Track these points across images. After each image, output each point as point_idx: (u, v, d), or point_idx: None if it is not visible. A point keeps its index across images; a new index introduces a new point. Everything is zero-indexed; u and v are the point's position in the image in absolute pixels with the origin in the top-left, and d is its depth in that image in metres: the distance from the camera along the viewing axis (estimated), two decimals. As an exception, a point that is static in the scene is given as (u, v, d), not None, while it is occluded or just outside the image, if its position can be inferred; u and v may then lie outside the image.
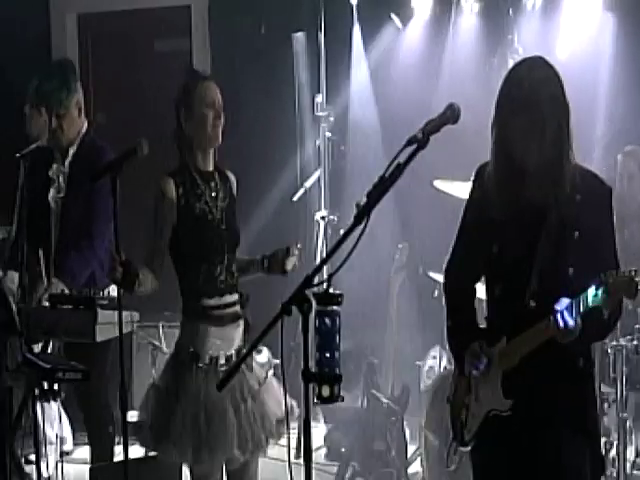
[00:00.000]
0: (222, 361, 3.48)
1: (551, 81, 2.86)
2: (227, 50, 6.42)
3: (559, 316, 2.74)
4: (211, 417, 3.43)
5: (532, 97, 2.80)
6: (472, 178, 3.08)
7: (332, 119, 5.85)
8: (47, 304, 3.99)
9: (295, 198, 5.86)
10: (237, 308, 3.57)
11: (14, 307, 3.60)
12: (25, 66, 5.75)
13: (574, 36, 5.76)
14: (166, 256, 3.53)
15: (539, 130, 2.81)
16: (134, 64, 6.79)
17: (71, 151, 4.50)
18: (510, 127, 2.85)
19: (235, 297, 3.57)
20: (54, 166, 4.52)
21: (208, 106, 3.51)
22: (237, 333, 3.54)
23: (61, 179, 4.52)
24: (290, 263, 3.57)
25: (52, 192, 4.52)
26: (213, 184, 3.60)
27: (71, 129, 4.48)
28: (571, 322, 2.73)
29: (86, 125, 4.57)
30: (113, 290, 4.05)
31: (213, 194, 3.59)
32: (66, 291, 4.06)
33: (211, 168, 3.61)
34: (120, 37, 6.83)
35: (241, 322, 3.57)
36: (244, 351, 3.51)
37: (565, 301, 2.75)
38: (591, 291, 2.71)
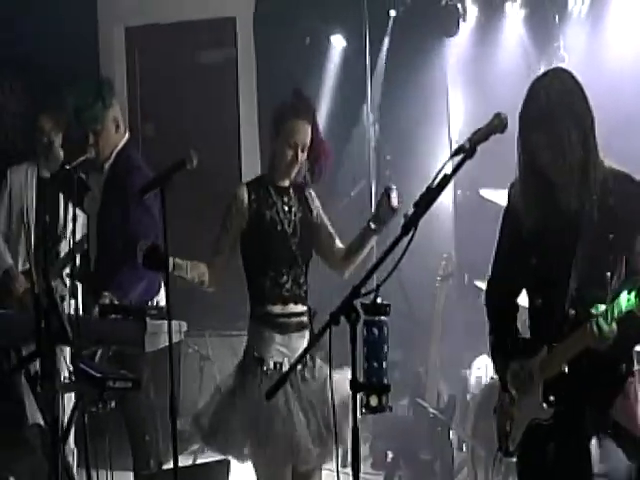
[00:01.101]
0: (286, 368, 3.53)
1: (571, 92, 2.86)
2: (272, 61, 6.46)
3: (594, 322, 2.73)
4: (272, 420, 3.47)
5: (549, 110, 2.81)
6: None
7: (377, 128, 5.87)
8: (97, 314, 4.06)
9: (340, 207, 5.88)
10: (303, 318, 3.65)
11: (65, 316, 3.65)
12: (73, 80, 5.85)
13: (623, 42, 5.70)
14: (228, 258, 3.64)
15: (558, 142, 2.82)
16: (180, 76, 6.86)
17: (106, 166, 4.56)
18: (531, 139, 2.86)
19: (301, 308, 3.66)
20: (91, 180, 4.60)
21: (290, 147, 3.67)
22: (302, 343, 3.60)
23: (96, 192, 4.59)
24: (394, 199, 3.55)
25: (87, 203, 4.60)
26: (286, 198, 3.73)
27: (107, 145, 4.54)
28: (606, 328, 2.72)
29: (125, 140, 4.60)
30: (162, 300, 4.10)
31: (286, 207, 3.71)
32: (115, 301, 4.12)
33: (287, 184, 3.73)
34: (166, 49, 6.90)
35: (306, 333, 3.63)
36: (310, 362, 3.57)
37: (601, 307, 2.75)
38: (624, 296, 2.70)
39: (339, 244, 3.84)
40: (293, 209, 3.75)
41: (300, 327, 3.64)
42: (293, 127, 3.68)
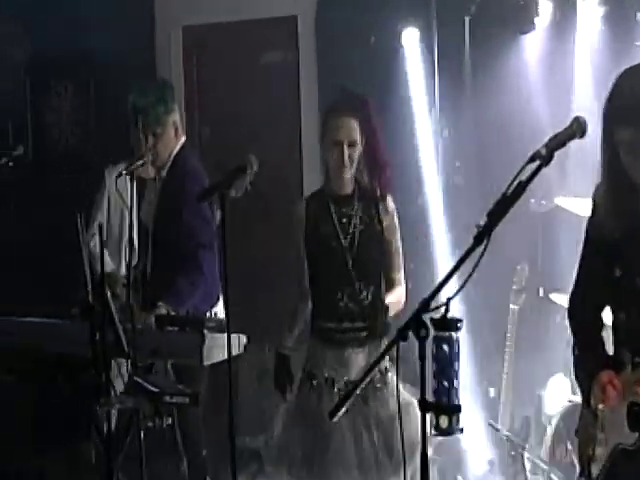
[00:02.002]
0: (340, 385, 3.54)
1: None
2: (335, 62, 6.47)
3: None
4: (326, 439, 3.49)
5: (634, 103, 2.77)
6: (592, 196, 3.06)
7: (446, 133, 5.84)
8: (153, 325, 4.12)
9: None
10: (360, 334, 3.64)
11: (121, 327, 3.71)
12: (130, 81, 5.94)
13: None
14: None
15: None
16: (239, 77, 6.91)
17: (163, 172, 4.61)
18: (615, 139, 2.83)
19: (359, 324, 3.65)
20: (148, 185, 4.66)
21: (335, 144, 3.66)
22: (359, 360, 3.60)
23: (152, 198, 4.65)
24: None
25: (143, 210, 4.66)
26: (346, 209, 3.67)
27: (165, 149, 4.60)
28: None
29: (181, 143, 4.66)
30: (221, 311, 4.14)
31: (344, 220, 3.67)
32: (172, 312, 4.17)
33: (348, 192, 3.70)
34: (225, 50, 6.96)
35: (367, 349, 3.61)
36: (379, 381, 3.56)
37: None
38: None
39: (394, 274, 3.75)
40: (353, 221, 3.69)
41: (356, 343, 3.62)
42: (336, 123, 3.66)
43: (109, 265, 5.27)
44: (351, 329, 3.63)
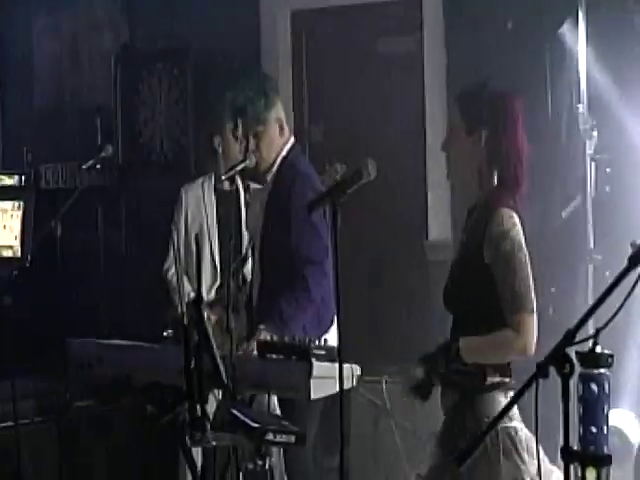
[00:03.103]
0: None
1: None
2: (466, 50, 6.44)
3: None
4: None
5: None
6: None
7: (596, 134, 5.75)
8: (255, 353, 4.17)
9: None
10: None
11: (218, 354, 3.76)
12: (231, 71, 6.06)
13: None
14: None
15: None
16: (354, 69, 6.94)
17: (269, 177, 4.65)
18: None
19: None
20: (253, 194, 4.72)
21: None
22: None
23: (258, 207, 4.69)
24: None
25: (248, 221, 4.71)
26: (470, 222, 3.60)
27: (270, 150, 4.64)
28: None
29: (290, 145, 4.70)
30: (332, 338, 4.16)
31: (466, 236, 3.65)
32: (275, 338, 4.21)
33: (477, 201, 3.62)
34: (339, 36, 7.00)
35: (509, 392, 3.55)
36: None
37: None
38: None
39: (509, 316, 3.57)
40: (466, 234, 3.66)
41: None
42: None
43: (189, 292, 5.37)
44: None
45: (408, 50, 6.83)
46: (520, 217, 3.51)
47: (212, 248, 5.52)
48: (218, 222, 5.57)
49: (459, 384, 3.47)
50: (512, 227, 3.45)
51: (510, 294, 3.39)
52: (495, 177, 3.52)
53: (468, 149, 3.54)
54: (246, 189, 4.83)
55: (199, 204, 5.62)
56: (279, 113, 4.70)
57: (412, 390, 3.48)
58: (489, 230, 3.44)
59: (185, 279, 5.38)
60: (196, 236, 5.33)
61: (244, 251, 4.71)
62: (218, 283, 5.40)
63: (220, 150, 5.52)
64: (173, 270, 5.69)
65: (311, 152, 6.48)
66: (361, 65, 6.91)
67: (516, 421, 3.42)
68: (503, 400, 3.40)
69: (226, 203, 5.33)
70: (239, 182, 4.74)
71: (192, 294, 5.14)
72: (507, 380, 3.43)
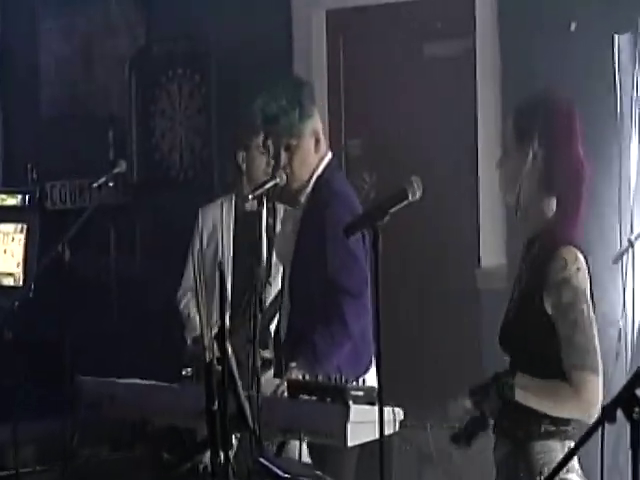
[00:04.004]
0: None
1: None
2: (521, 53, 6.45)
3: None
4: None
5: None
6: None
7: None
8: (285, 393, 4.18)
9: (615, 259, 5.76)
10: None
11: (243, 394, 3.78)
12: (260, 77, 6.07)
13: None
14: None
15: None
16: (397, 74, 6.95)
17: (302, 197, 4.66)
18: None
19: None
20: (284, 215, 4.73)
21: None
22: None
23: (289, 230, 4.69)
24: None
25: (278, 246, 4.72)
26: (527, 254, 3.62)
27: (303, 167, 4.62)
28: None
29: (327, 161, 4.69)
30: (371, 379, 4.17)
31: (523, 266, 3.65)
32: (308, 377, 4.22)
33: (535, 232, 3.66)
34: (380, 38, 7.02)
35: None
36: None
37: None
38: None
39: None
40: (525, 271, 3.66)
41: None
42: None
43: (196, 329, 5.38)
44: None
45: (458, 54, 6.85)
46: (584, 254, 3.48)
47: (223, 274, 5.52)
48: (235, 246, 5.60)
49: (511, 430, 3.49)
50: (575, 273, 3.43)
51: (571, 349, 3.40)
52: (554, 201, 3.52)
53: (523, 169, 3.54)
54: (270, 210, 4.81)
55: (216, 227, 5.65)
56: (315, 125, 4.67)
57: (458, 430, 3.51)
58: (550, 275, 3.44)
59: (194, 310, 5.41)
60: (219, 263, 5.34)
61: (262, 280, 4.70)
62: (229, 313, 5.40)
63: (244, 167, 5.55)
64: (185, 300, 5.72)
65: (348, 168, 6.50)
66: (405, 71, 6.92)
67: (574, 474, 3.42)
68: (560, 449, 3.41)
69: (247, 226, 5.31)
70: (265, 202, 4.75)
71: (198, 328, 5.21)
72: (565, 428, 3.44)
